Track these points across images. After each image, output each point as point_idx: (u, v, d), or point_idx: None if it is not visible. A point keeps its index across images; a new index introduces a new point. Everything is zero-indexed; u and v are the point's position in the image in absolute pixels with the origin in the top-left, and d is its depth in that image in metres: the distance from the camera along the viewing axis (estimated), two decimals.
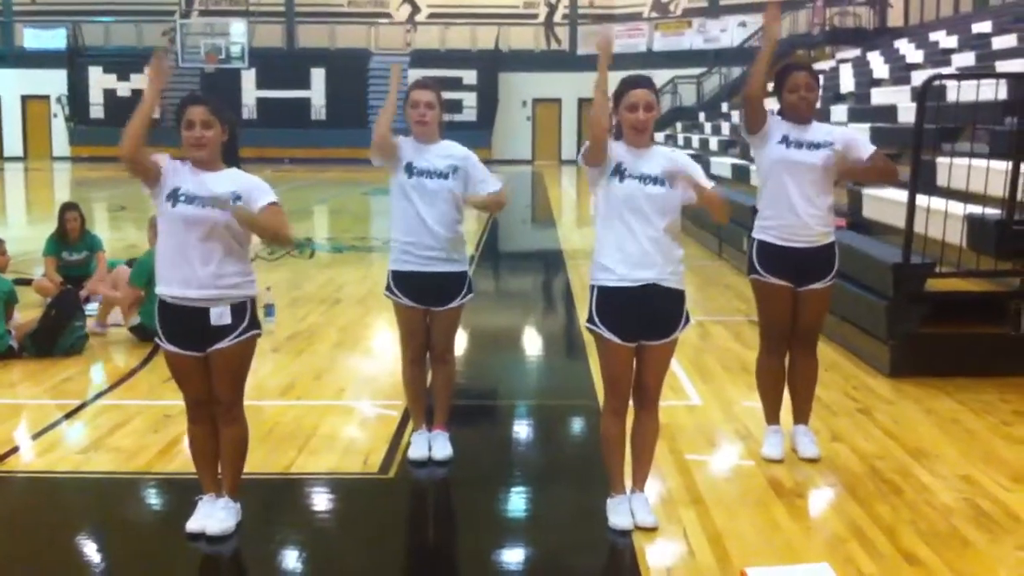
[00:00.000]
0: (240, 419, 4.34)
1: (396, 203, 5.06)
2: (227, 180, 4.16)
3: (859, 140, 5.22)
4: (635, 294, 4.21)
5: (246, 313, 4.21)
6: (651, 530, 4.29)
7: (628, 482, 4.44)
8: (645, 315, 4.25)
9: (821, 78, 5.51)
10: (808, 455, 5.17)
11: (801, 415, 5.32)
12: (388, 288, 5.14)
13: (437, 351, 5.25)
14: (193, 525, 4.28)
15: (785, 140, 5.02)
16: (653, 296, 4.23)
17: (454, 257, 5.07)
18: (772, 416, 5.32)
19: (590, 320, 4.32)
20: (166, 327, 4.20)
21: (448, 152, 5.06)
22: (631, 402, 4.43)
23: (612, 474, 4.44)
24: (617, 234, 4.23)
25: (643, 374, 4.37)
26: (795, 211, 5.01)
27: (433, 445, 5.22)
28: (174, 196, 4.10)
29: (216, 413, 4.31)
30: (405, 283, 5.08)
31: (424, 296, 5.09)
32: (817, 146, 5.01)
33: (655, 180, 4.22)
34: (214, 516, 4.27)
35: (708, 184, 4.30)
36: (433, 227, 4.96)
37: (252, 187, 4.18)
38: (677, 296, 4.30)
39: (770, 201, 5.11)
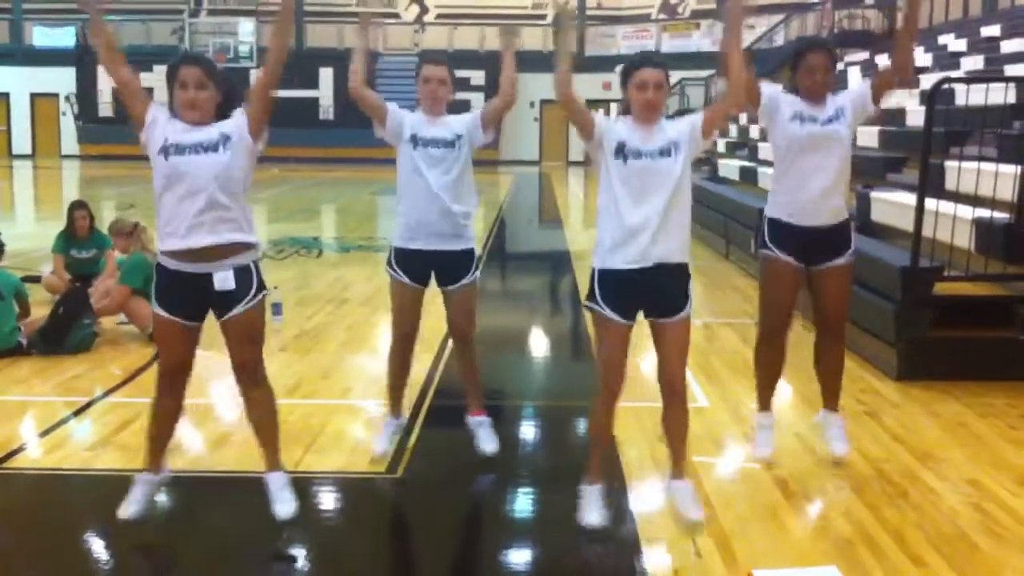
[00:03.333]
0: (267, 382, 4.37)
1: (403, 176, 4.99)
2: (216, 128, 4.14)
3: (860, 88, 5.07)
4: (642, 274, 4.19)
5: (252, 276, 4.18)
6: (698, 523, 4.33)
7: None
8: (650, 293, 4.23)
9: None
10: (838, 453, 5.13)
11: (830, 401, 5.28)
12: (389, 263, 5.09)
13: (459, 332, 5.20)
14: (128, 510, 4.26)
15: (799, 117, 4.90)
16: (661, 274, 4.21)
17: (462, 233, 5.01)
18: (763, 402, 5.31)
19: (591, 298, 4.28)
20: (164, 293, 4.16)
21: (455, 123, 5.02)
22: (661, 393, 4.45)
23: (591, 463, 4.47)
24: (623, 213, 4.17)
25: (664, 360, 4.35)
26: (809, 189, 4.90)
27: (480, 437, 5.24)
28: (164, 149, 4.06)
29: (241, 381, 4.33)
30: (408, 261, 5.02)
31: (426, 276, 5.05)
32: (830, 120, 4.90)
33: (662, 152, 4.18)
34: (282, 498, 4.29)
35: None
36: (441, 198, 4.89)
37: (236, 116, 4.18)
38: (683, 269, 4.28)
39: (783, 178, 5.01)
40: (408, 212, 5.00)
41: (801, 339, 5.67)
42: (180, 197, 4.05)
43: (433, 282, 5.12)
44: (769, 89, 5.03)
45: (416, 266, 5.03)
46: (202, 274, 4.09)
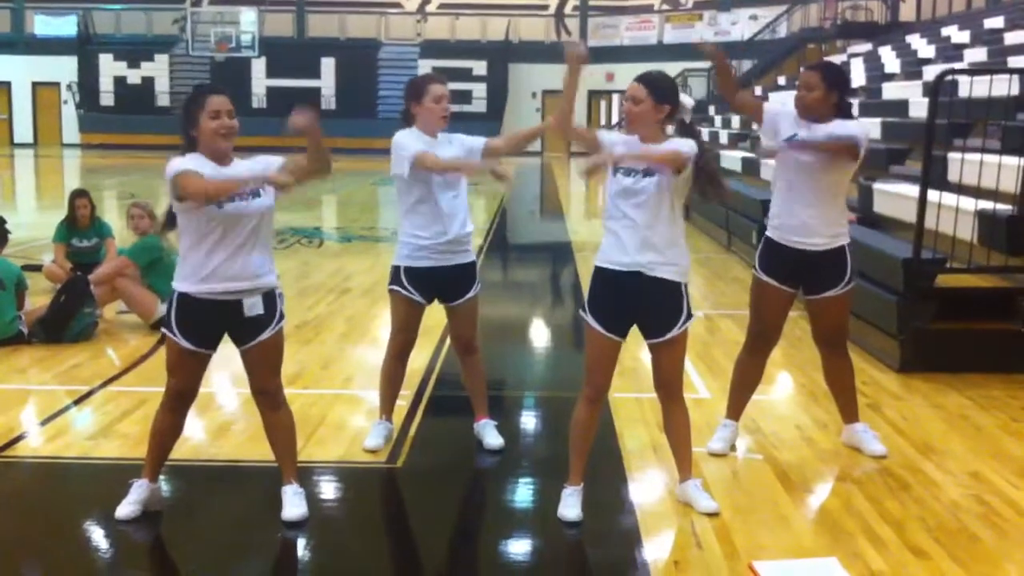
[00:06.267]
0: (286, 404, 4.41)
1: (411, 197, 4.98)
2: (241, 168, 4.20)
3: (851, 129, 4.93)
4: (627, 280, 4.24)
5: (276, 302, 4.25)
6: (713, 515, 4.35)
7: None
8: (640, 304, 4.28)
9: None
10: (874, 452, 5.12)
11: (849, 414, 5.28)
12: (398, 282, 5.09)
13: (463, 342, 5.25)
14: (124, 510, 4.28)
15: (792, 139, 4.90)
16: (647, 284, 4.25)
17: (468, 248, 5.10)
18: (731, 411, 5.30)
19: (583, 307, 4.38)
20: (186, 322, 4.16)
21: (457, 142, 5.05)
22: (658, 398, 4.54)
23: (572, 463, 4.46)
24: (616, 224, 4.28)
25: (659, 371, 4.46)
26: (796, 211, 4.92)
27: (485, 435, 5.28)
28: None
29: (261, 404, 4.38)
30: (419, 279, 5.04)
31: (436, 291, 5.09)
32: None
33: (644, 172, 4.24)
34: (293, 503, 4.30)
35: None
36: (451, 220, 4.94)
37: (262, 160, 4.24)
38: (674, 287, 4.31)
39: (776, 199, 5.05)
40: (416, 232, 4.99)
41: (801, 333, 5.66)
42: (227, 241, 4.07)
43: None
44: (772, 110, 5.07)
45: (425, 284, 5.06)
46: (230, 300, 4.12)
